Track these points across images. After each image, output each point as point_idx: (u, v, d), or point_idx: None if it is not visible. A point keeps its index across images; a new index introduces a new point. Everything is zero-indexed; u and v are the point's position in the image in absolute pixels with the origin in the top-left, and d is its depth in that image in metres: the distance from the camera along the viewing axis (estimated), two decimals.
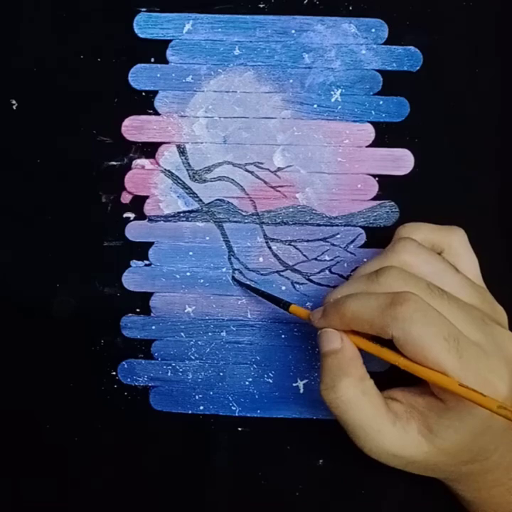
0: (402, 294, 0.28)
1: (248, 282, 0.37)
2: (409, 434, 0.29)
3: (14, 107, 0.37)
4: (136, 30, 0.36)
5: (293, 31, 0.36)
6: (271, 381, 0.37)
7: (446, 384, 0.27)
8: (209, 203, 0.37)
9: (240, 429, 0.38)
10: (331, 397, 0.29)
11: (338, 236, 0.37)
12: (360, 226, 0.37)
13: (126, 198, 0.37)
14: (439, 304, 0.28)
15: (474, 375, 0.27)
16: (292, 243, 0.37)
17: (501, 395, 0.27)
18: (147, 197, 0.37)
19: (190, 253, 0.37)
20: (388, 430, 0.29)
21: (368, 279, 0.30)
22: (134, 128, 0.37)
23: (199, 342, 0.37)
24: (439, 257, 0.31)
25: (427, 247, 0.32)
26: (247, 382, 0.37)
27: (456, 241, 0.32)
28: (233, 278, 0.37)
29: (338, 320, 0.29)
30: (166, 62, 0.37)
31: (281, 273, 0.37)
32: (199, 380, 0.37)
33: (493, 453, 0.30)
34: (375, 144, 0.37)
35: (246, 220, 0.37)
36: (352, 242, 0.37)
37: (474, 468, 0.31)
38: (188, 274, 0.37)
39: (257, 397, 0.37)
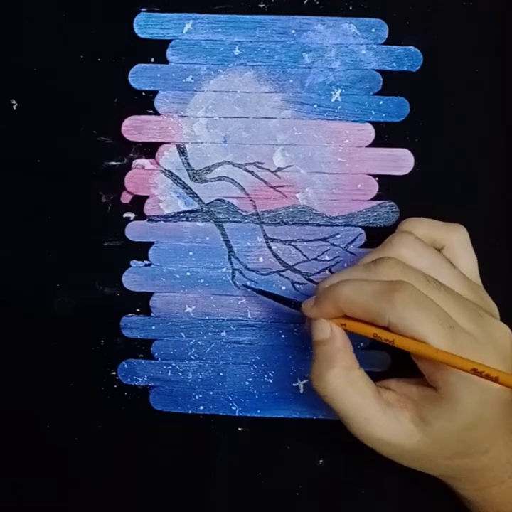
0: (399, 281, 0.28)
1: (247, 282, 0.37)
2: (401, 422, 0.29)
3: (14, 107, 0.37)
4: (136, 30, 0.36)
5: (293, 31, 0.36)
6: (271, 381, 0.37)
7: (424, 351, 0.27)
8: (209, 203, 0.37)
9: (240, 429, 0.38)
10: (319, 386, 0.30)
11: (338, 236, 0.37)
12: (360, 226, 0.37)
13: (126, 198, 0.37)
14: (436, 294, 0.29)
15: None
16: (292, 243, 0.37)
17: None
18: (147, 197, 0.37)
19: (190, 253, 0.37)
20: (378, 418, 0.29)
21: (364, 268, 0.30)
22: (134, 128, 0.37)
23: (199, 342, 0.37)
24: (435, 251, 0.32)
25: (428, 242, 0.32)
26: (247, 382, 0.37)
27: (456, 239, 0.33)
28: (244, 285, 0.37)
29: (331, 306, 0.30)
30: (166, 62, 0.37)
31: (281, 273, 0.37)
32: (199, 380, 0.37)
33: (488, 448, 0.30)
34: (375, 143, 0.37)
35: (246, 220, 0.37)
36: (352, 242, 0.37)
37: (471, 464, 0.31)
38: (188, 274, 0.37)
39: (257, 397, 0.37)
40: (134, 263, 0.37)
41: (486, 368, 0.26)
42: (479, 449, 0.30)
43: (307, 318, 0.33)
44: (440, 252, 0.32)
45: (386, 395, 0.30)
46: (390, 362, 0.37)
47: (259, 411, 0.37)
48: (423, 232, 0.32)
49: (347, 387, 0.30)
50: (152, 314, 0.37)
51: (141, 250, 0.37)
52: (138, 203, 0.37)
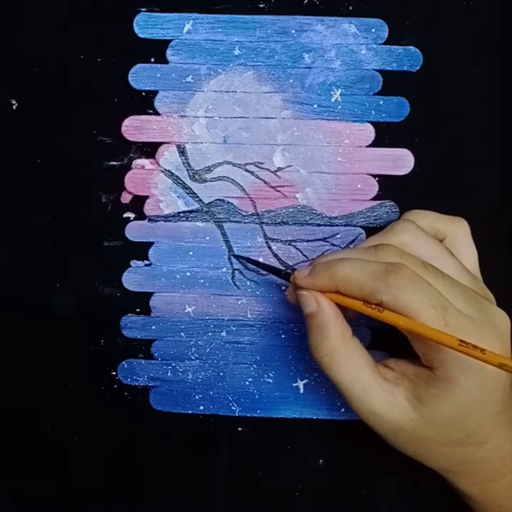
0: (396, 263, 0.29)
1: (248, 282, 0.37)
2: (396, 397, 0.30)
3: (14, 107, 0.37)
4: (136, 30, 0.36)
5: (293, 31, 0.36)
6: (271, 381, 0.37)
7: (409, 325, 0.27)
8: (209, 203, 0.37)
9: (240, 429, 0.38)
10: (317, 357, 0.30)
11: (338, 236, 0.37)
12: (360, 226, 0.37)
13: (126, 198, 0.37)
14: (433, 279, 0.29)
15: None
16: (292, 243, 0.37)
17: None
18: (147, 197, 0.37)
19: (190, 253, 0.37)
20: (374, 389, 0.30)
21: (365, 251, 0.31)
22: (134, 128, 0.37)
23: (199, 342, 0.37)
24: (435, 240, 0.32)
25: (430, 233, 0.32)
26: (247, 382, 0.37)
27: (458, 231, 0.33)
28: (234, 255, 0.37)
29: (327, 279, 0.30)
30: (166, 62, 0.37)
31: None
32: (199, 380, 0.37)
33: (487, 438, 0.30)
34: (375, 144, 0.37)
35: (246, 220, 0.37)
36: (352, 242, 0.37)
37: (469, 454, 0.30)
38: (188, 274, 0.37)
39: (257, 397, 0.37)
40: (134, 263, 0.37)
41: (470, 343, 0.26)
42: (478, 439, 0.30)
43: (291, 289, 0.33)
44: (440, 242, 0.32)
45: (384, 372, 0.31)
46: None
47: (259, 411, 0.37)
48: (426, 222, 0.33)
49: (343, 356, 0.30)
50: (152, 314, 0.37)
51: (141, 250, 0.37)
52: (138, 203, 0.37)
